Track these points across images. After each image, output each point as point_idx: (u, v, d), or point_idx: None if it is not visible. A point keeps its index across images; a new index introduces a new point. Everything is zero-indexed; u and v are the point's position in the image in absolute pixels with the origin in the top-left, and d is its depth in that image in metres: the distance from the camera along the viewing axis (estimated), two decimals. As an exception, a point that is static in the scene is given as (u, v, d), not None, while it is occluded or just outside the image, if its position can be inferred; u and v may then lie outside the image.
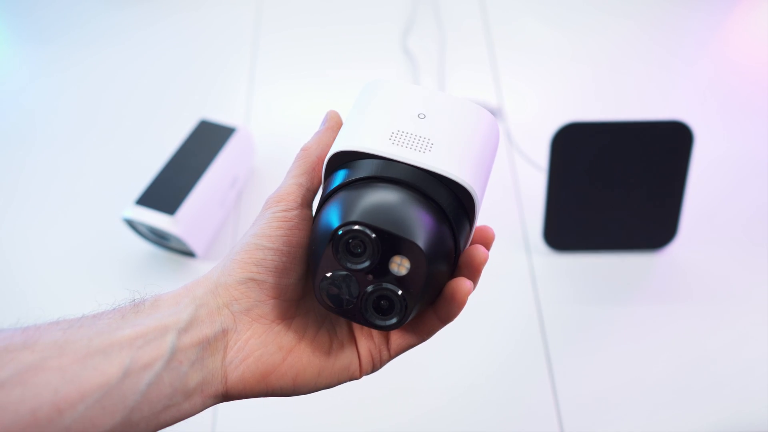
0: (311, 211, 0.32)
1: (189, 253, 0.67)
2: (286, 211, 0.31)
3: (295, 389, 0.30)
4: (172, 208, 0.63)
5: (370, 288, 0.27)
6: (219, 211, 0.69)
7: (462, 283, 0.28)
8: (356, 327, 0.32)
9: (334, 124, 0.34)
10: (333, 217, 0.27)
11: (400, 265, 0.27)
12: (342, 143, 0.30)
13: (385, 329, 0.28)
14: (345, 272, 0.27)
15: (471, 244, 0.31)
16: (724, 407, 0.58)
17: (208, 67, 0.87)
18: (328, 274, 0.27)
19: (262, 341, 0.30)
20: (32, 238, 0.70)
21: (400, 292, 0.27)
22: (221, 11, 0.93)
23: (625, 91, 0.83)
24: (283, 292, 0.30)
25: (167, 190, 0.65)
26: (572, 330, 0.63)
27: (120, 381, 0.26)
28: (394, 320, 0.28)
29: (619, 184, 0.64)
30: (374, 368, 0.32)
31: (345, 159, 0.30)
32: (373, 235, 0.26)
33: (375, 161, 0.29)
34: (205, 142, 0.70)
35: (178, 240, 0.64)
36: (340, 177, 0.30)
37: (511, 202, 0.72)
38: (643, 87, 0.83)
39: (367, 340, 0.32)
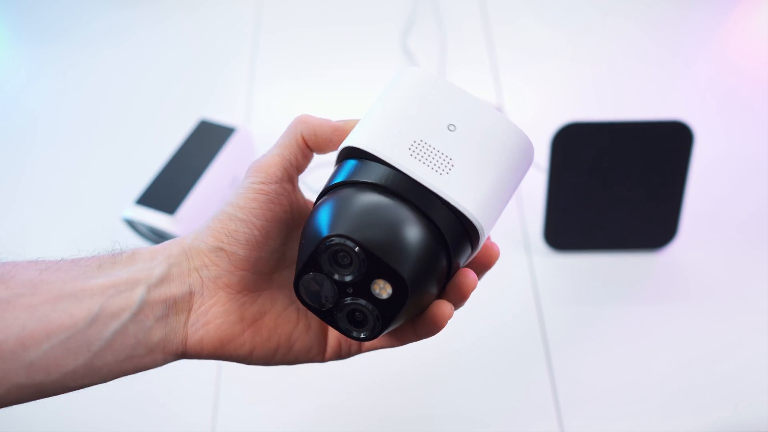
0: (293, 186, 0.32)
1: (189, 253, 0.67)
2: (264, 183, 0.30)
3: (251, 360, 0.31)
4: (172, 208, 0.63)
5: (348, 299, 0.27)
6: (219, 211, 0.69)
7: (443, 309, 0.28)
8: None
9: (348, 127, 0.32)
10: (328, 221, 0.26)
11: (382, 289, 0.26)
12: (359, 139, 0.29)
13: (355, 339, 0.28)
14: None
15: (465, 267, 0.30)
16: (724, 407, 0.58)
17: (208, 67, 0.87)
18: (312, 272, 0.27)
19: (225, 310, 0.30)
20: (33, 238, 0.70)
21: (375, 312, 0.26)
22: (221, 11, 0.93)
23: (625, 91, 0.83)
24: (253, 265, 0.30)
25: (167, 189, 0.65)
26: (572, 330, 0.63)
27: (87, 326, 0.27)
28: (364, 334, 0.27)
29: (619, 184, 0.64)
30: (341, 357, 0.32)
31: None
32: (361, 254, 0.25)
33: (387, 170, 0.28)
34: (205, 142, 0.70)
35: (178, 240, 0.64)
36: (349, 169, 0.29)
37: (511, 201, 0.72)
38: (643, 87, 0.83)
39: None
